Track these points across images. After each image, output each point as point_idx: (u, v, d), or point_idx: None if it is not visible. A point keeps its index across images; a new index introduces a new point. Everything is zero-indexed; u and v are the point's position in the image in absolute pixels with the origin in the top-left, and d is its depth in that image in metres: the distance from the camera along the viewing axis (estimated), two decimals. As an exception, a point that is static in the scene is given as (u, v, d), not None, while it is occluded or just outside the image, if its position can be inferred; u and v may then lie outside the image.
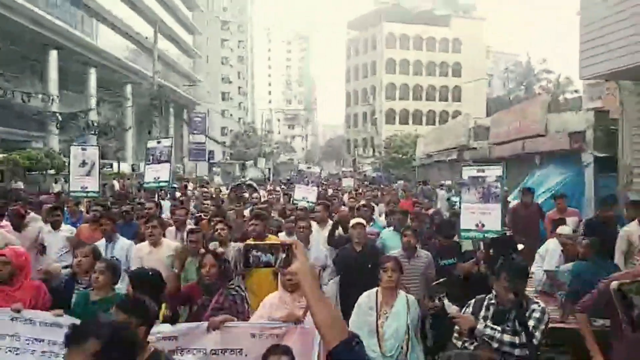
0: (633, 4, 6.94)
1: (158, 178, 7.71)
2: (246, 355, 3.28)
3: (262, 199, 11.17)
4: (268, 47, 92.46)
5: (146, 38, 34.07)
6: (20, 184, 17.13)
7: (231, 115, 59.65)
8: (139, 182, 19.34)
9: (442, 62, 54.78)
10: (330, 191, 14.85)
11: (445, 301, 4.06)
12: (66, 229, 6.20)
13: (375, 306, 3.64)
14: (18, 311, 3.45)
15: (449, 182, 17.12)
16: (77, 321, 3.12)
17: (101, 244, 5.18)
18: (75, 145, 8.73)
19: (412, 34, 54.16)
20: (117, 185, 20.26)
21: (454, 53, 54.51)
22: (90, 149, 8.05)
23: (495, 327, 2.94)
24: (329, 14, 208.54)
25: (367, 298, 3.71)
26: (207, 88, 53.18)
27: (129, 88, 35.72)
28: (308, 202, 8.64)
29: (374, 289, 3.75)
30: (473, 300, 3.27)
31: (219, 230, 5.15)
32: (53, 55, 26.88)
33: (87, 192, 7.55)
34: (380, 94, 53.89)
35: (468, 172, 5.03)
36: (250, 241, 4.84)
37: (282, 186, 20.07)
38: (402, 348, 3.52)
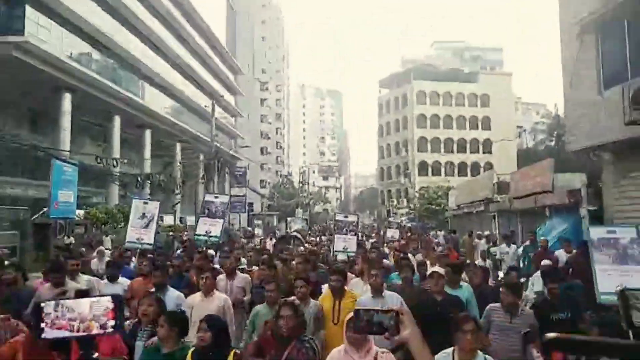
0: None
1: (209, 232, 8.07)
2: None
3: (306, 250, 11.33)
4: (303, 104, 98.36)
5: (205, 107, 38.38)
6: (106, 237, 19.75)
7: (269, 168, 63.81)
8: (184, 234, 21.23)
9: (472, 116, 57.83)
10: (368, 242, 14.80)
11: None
12: (122, 282, 6.33)
13: None
14: None
15: (487, 233, 17.43)
16: None
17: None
18: (137, 198, 9.07)
19: (442, 91, 57.78)
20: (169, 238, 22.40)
21: (482, 107, 57.57)
22: (151, 203, 8.35)
23: None
24: (359, 71, 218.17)
25: (444, 358, 3.56)
26: (247, 144, 57.74)
27: (178, 148, 39.93)
28: (348, 252, 8.63)
29: (451, 349, 3.60)
30: None
31: (299, 287, 5.09)
32: (117, 120, 31.01)
33: (142, 243, 7.72)
34: (413, 146, 57.00)
35: (596, 234, 4.89)
36: (327, 295, 5.22)
37: (322, 236, 21.29)
38: None
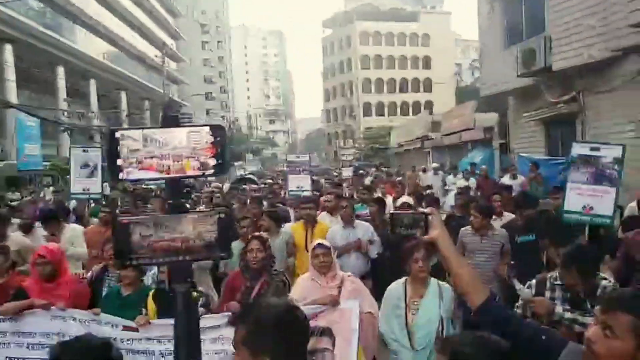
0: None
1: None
2: None
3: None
4: (244, 44, 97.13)
5: (155, 56, 38.43)
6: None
7: (215, 114, 64.54)
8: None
9: (413, 55, 60.71)
10: (321, 182, 14.95)
11: (516, 283, 3.92)
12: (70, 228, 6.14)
13: (404, 297, 3.50)
14: (63, 309, 3.56)
15: (435, 165, 18.33)
16: (119, 320, 3.53)
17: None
18: (76, 147, 8.78)
19: (384, 31, 59.88)
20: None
21: (423, 47, 60.47)
22: (92, 150, 7.99)
23: (574, 310, 3.01)
24: (301, 10, 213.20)
25: (395, 288, 3.59)
26: (191, 89, 57.92)
27: (123, 97, 40.16)
28: (303, 191, 8.80)
29: (403, 279, 3.62)
30: (534, 281, 3.36)
31: (261, 223, 5.48)
32: (60, 70, 31.11)
33: (89, 193, 7.54)
34: (357, 88, 59.57)
35: (579, 150, 4.73)
36: (298, 225, 5.60)
37: (274, 177, 21.55)
38: (431, 341, 3.32)
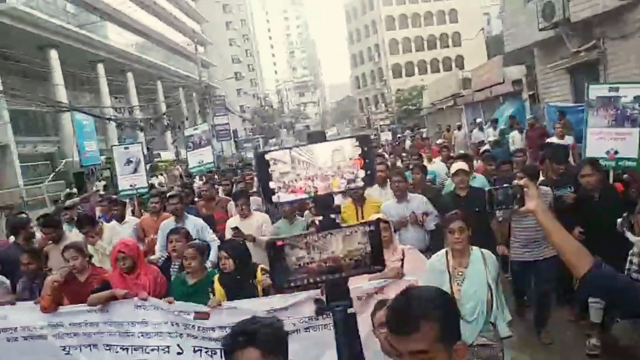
0: None
1: (202, 161, 8.30)
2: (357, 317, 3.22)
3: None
4: (266, 19, 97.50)
5: (188, 45, 39.80)
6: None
7: (245, 93, 66.01)
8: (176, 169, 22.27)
9: (439, 10, 59.81)
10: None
11: (630, 235, 3.86)
12: (130, 220, 6.67)
13: (446, 269, 3.43)
14: (145, 299, 3.80)
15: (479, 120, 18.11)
16: (191, 305, 3.73)
17: (169, 224, 5.61)
18: (116, 145, 9.29)
19: (406, -12, 59.15)
20: (177, 172, 22.79)
21: (448, 0, 59.45)
22: (132, 146, 8.28)
23: None
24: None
25: (436, 261, 3.54)
26: (220, 71, 59.46)
27: (159, 87, 42.03)
28: None
29: (443, 250, 3.60)
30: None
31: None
32: (101, 68, 33.05)
33: (137, 189, 7.80)
34: (385, 50, 59.50)
35: (597, 92, 4.58)
36: (348, 204, 5.43)
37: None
38: (483, 311, 3.26)
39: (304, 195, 1.83)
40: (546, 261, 4.51)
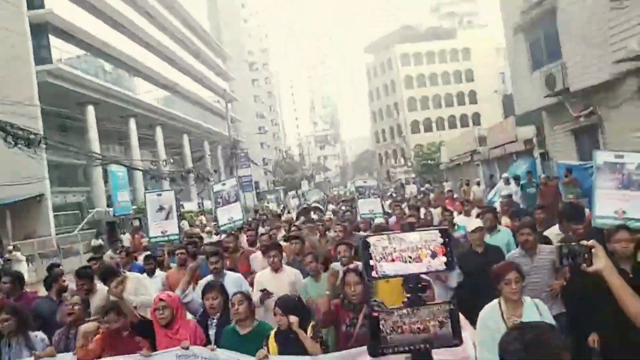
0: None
1: (232, 218, 8.16)
2: None
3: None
4: (290, 77, 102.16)
5: (217, 102, 42.23)
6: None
7: (268, 146, 68.43)
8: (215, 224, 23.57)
9: (455, 70, 62.37)
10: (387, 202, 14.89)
11: None
12: (159, 275, 6.64)
13: (501, 319, 3.47)
14: (186, 348, 3.80)
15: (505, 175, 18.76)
16: (235, 353, 3.76)
17: (207, 280, 5.42)
18: (149, 192, 9.16)
19: (424, 50, 62.16)
20: (203, 220, 23.81)
21: (464, 61, 62.08)
22: (165, 193, 8.26)
23: None
24: (340, 38, 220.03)
25: (490, 311, 3.54)
26: (245, 126, 62.21)
27: (186, 140, 44.25)
28: (375, 214, 8.98)
29: (495, 301, 3.62)
30: None
31: (342, 252, 5.40)
32: (132, 122, 35.19)
33: (167, 235, 7.68)
34: (404, 107, 61.75)
35: (603, 157, 4.85)
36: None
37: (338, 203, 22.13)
38: None
39: (400, 264, 2.20)
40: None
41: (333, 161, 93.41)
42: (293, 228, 9.62)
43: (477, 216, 6.97)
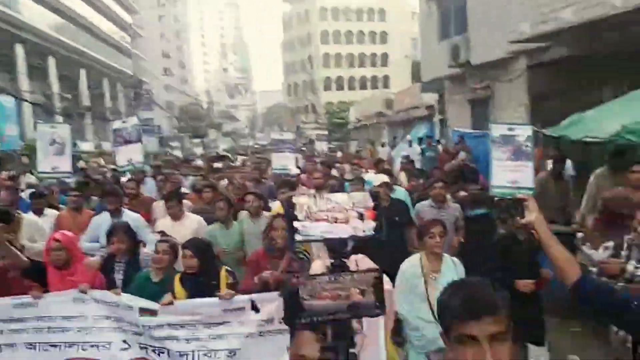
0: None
1: (131, 160, 7.63)
2: None
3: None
4: (200, 17, 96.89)
5: (122, 37, 39.17)
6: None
7: (174, 89, 65.34)
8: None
9: (371, 31, 63.49)
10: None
11: (586, 249, 4.13)
12: (49, 213, 6.10)
13: (421, 272, 3.62)
14: (84, 292, 3.59)
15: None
16: (139, 299, 3.57)
17: (104, 218, 5.29)
18: (41, 123, 8.49)
19: (342, 6, 62.24)
20: (101, 162, 21.72)
21: (380, 22, 63.29)
22: (60, 126, 7.57)
23: None
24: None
25: (410, 265, 3.68)
26: (149, 65, 58.59)
27: (83, 75, 41.05)
28: (287, 170, 8.74)
29: (417, 255, 3.78)
30: (611, 243, 3.57)
31: (250, 201, 5.46)
32: (20, 49, 31.99)
33: (59, 172, 7.08)
34: (319, 63, 62.06)
35: (498, 130, 5.12)
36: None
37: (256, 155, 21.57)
38: None
39: (326, 225, 2.12)
40: None
41: (243, 112, 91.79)
42: (199, 177, 9.47)
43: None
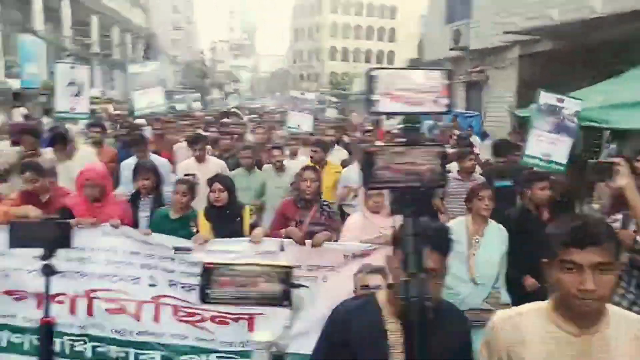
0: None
1: (152, 103, 7.61)
2: (338, 272, 3.52)
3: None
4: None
5: None
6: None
7: (182, 44, 65.69)
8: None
9: (382, 4, 63.90)
10: None
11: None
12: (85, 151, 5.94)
13: (465, 233, 3.71)
14: (115, 227, 3.65)
15: None
16: (172, 238, 3.62)
17: (131, 160, 5.46)
18: (62, 62, 8.23)
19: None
20: (110, 110, 22.62)
21: (392, -3, 63.72)
22: (79, 67, 7.40)
23: None
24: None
25: (456, 226, 3.68)
26: (159, 17, 58.74)
27: (95, 22, 41.61)
28: (301, 129, 8.42)
29: (461, 218, 3.87)
30: (621, 215, 3.56)
31: (277, 155, 5.71)
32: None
33: (75, 113, 7.02)
34: (326, 32, 62.67)
35: (546, 99, 4.90)
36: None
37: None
38: (493, 276, 3.59)
39: (403, 105, 1.80)
40: None
41: (244, 73, 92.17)
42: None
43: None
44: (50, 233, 2.79)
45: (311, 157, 5.97)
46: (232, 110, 20.11)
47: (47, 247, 2.75)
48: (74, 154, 5.51)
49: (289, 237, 3.70)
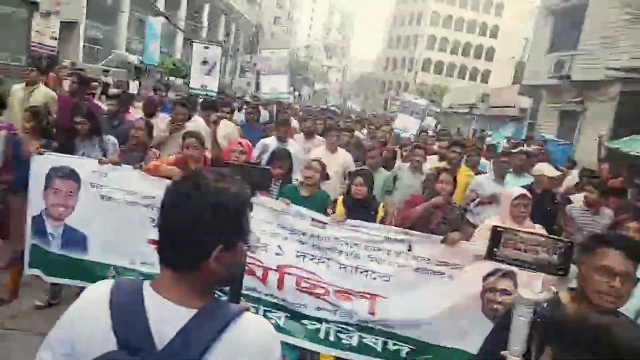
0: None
1: (275, 89, 8.14)
2: (466, 272, 3.51)
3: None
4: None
5: None
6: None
7: (279, 38, 68.73)
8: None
9: (483, 22, 63.34)
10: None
11: None
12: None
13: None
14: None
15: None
16: (310, 211, 3.83)
17: (271, 142, 5.85)
18: (197, 42, 8.82)
19: (459, -9, 62.37)
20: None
21: (496, 16, 62.87)
22: (213, 47, 7.96)
23: None
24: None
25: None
26: (263, 10, 61.99)
27: (206, 10, 44.92)
28: (407, 132, 8.89)
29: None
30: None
31: (418, 155, 5.94)
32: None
33: (207, 90, 7.63)
34: (423, 43, 63.09)
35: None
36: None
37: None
38: None
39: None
40: None
41: (335, 74, 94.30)
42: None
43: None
44: (254, 177, 3.38)
45: (448, 157, 6.13)
46: (332, 108, 22.52)
47: (250, 189, 3.47)
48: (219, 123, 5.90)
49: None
